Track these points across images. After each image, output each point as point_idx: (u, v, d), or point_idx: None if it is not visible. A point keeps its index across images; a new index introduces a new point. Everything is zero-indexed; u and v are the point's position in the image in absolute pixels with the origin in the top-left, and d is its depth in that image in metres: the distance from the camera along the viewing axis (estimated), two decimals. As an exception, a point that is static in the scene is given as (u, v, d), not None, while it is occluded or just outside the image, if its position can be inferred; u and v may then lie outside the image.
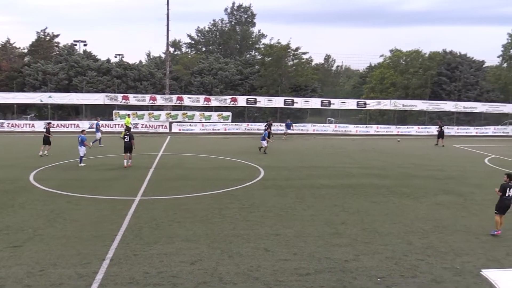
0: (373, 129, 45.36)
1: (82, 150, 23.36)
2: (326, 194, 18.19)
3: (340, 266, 10.79)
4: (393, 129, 45.27)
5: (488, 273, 6.04)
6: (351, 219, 14.83)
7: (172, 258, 10.98)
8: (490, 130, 46.76)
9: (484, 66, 55.87)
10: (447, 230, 13.88)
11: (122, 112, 41.70)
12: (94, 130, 32.00)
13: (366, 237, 12.96)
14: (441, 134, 36.42)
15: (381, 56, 54.76)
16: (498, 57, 54.53)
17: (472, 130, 46.17)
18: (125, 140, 23.25)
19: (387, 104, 46.48)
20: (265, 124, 37.48)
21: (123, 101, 42.90)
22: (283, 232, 13.21)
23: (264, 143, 29.75)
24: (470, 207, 16.70)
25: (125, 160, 23.08)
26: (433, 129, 45.28)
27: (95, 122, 32.52)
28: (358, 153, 30.35)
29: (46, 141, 26.38)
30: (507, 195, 13.37)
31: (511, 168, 25.55)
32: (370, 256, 11.53)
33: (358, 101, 47.29)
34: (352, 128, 44.95)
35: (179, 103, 44.08)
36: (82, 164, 23.14)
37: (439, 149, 34.06)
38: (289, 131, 40.40)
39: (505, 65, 54.41)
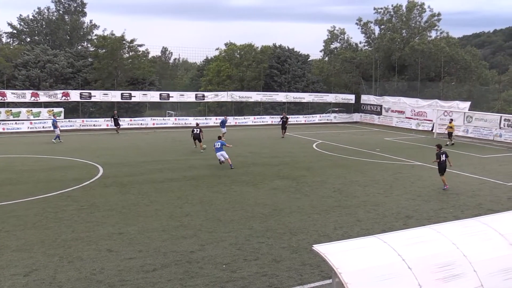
0: (212, 120, 46.38)
1: None
2: (169, 188, 18.21)
3: (187, 258, 10.95)
4: (231, 120, 46.89)
5: (319, 248, 6.68)
6: (194, 210, 15.10)
7: (1, 272, 9.97)
8: (317, 118, 51.33)
9: (309, 59, 61.08)
10: (283, 212, 15.00)
11: None
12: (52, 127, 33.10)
13: (210, 227, 13.34)
14: (283, 125, 37.03)
15: (217, 49, 56.21)
16: (321, 51, 60.45)
17: (301, 119, 50.07)
18: None
19: (224, 96, 47.97)
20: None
21: None
22: (127, 230, 12.90)
23: (222, 154, 22.86)
24: (302, 189, 18.24)
25: None
26: (268, 119, 48.17)
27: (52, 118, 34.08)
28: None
29: None
30: (441, 160, 18.28)
31: (335, 150, 28.57)
32: (214, 244, 11.91)
33: (196, 94, 47.96)
34: (192, 121, 45.27)
35: (1, 100, 39.59)
36: None
37: (275, 138, 36.18)
38: (224, 130, 33.95)
39: (326, 58, 60.39)
